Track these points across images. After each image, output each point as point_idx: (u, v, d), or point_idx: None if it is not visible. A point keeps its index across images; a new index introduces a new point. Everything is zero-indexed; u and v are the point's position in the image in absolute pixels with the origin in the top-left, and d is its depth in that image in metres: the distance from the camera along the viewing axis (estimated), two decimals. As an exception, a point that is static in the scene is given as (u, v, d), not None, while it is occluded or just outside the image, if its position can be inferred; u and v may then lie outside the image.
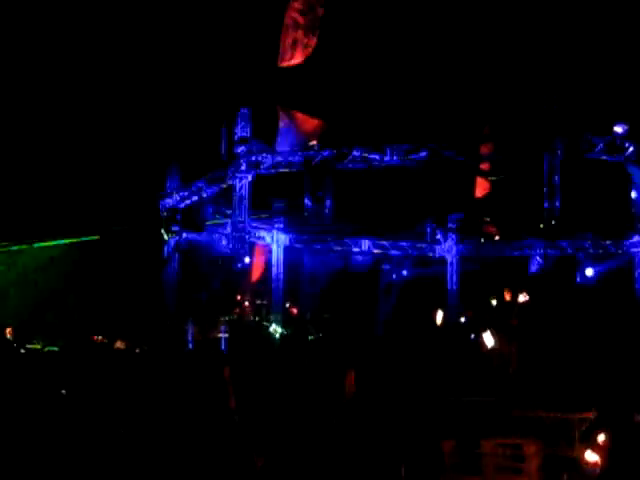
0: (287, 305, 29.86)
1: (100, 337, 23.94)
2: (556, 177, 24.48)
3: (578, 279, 27.44)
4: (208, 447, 7.74)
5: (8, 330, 20.18)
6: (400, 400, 12.53)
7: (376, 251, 30.89)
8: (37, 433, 9.28)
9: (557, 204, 24.59)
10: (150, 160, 29.16)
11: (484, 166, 28.54)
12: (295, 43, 27.05)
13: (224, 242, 29.08)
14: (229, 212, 28.55)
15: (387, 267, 31.58)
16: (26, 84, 26.71)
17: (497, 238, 30.61)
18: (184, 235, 29.08)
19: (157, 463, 8.10)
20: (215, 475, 7.66)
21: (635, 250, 27.30)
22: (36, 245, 29.26)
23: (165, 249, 29.26)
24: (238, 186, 27.59)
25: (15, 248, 28.64)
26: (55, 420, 9.86)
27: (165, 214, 29.03)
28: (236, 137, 27.42)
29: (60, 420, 9.86)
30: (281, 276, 29.32)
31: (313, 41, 26.70)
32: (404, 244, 30.80)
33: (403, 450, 9.61)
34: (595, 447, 11.57)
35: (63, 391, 11.39)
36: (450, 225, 30.10)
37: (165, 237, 28.94)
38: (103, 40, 28.39)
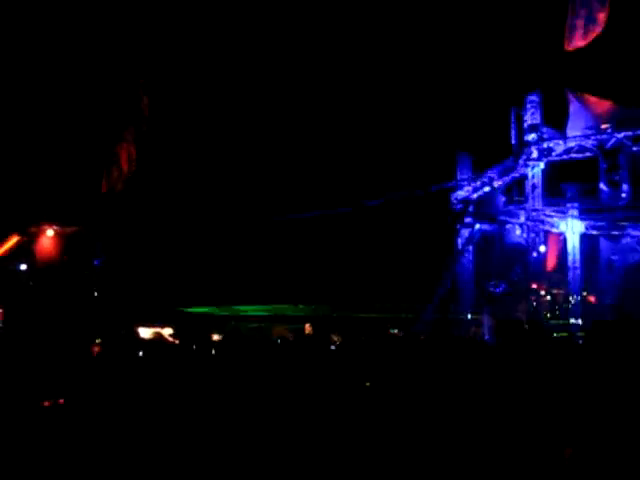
0: (584, 294, 28.95)
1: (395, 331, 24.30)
2: None
3: None
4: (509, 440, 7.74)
5: (307, 325, 20.34)
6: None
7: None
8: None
9: None
10: (440, 151, 29.26)
11: None
12: (583, 23, 26.11)
13: (518, 232, 28.75)
14: (521, 201, 28.21)
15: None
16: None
17: None
18: (477, 226, 29.02)
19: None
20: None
21: None
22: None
23: (458, 241, 29.30)
24: (530, 175, 27.24)
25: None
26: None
27: (457, 206, 29.10)
28: (526, 124, 27.05)
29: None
30: (577, 264, 28.42)
31: (602, 19, 25.62)
32: None
33: None
34: None
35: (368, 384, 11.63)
36: None
37: (458, 229, 29.05)
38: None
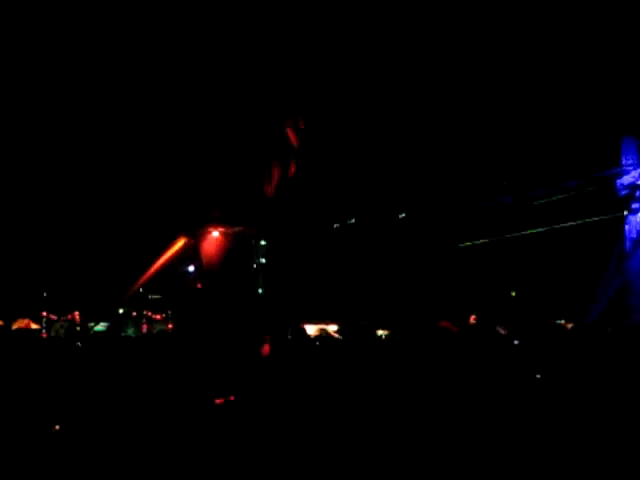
0: None
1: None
2: None
3: None
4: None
5: (472, 317, 20.20)
6: None
7: None
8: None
9: None
10: (603, 136, 28.43)
11: None
12: None
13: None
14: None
15: None
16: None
17: None
18: (641, 214, 28.15)
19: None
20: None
21: None
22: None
23: (626, 229, 28.47)
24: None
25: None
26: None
27: (623, 192, 28.26)
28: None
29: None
30: None
31: None
32: None
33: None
34: None
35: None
36: None
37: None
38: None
